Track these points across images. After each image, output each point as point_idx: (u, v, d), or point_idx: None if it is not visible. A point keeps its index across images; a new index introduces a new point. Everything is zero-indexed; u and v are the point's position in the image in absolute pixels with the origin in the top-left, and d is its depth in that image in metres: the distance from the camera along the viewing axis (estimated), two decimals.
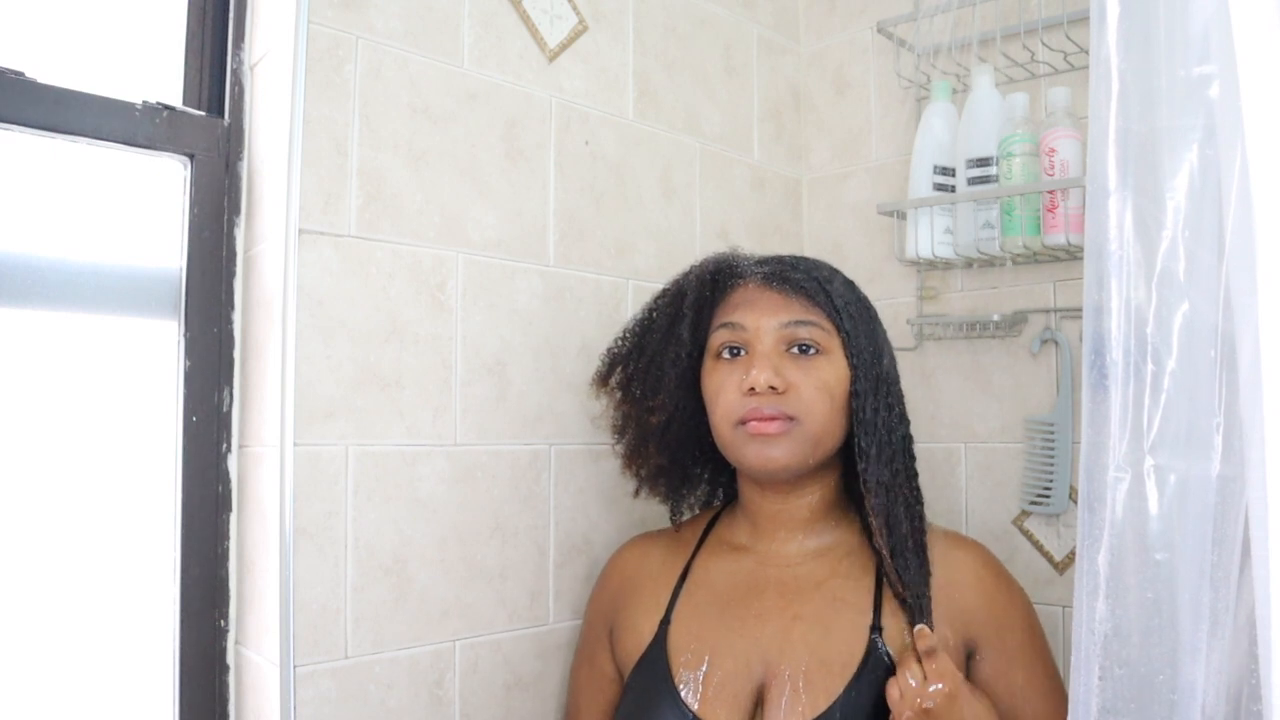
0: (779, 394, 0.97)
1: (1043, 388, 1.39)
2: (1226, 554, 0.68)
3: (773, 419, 0.97)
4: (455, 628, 1.14)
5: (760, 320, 1.00)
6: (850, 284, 1.06)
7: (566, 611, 1.25)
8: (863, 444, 0.98)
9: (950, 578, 0.99)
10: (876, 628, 0.94)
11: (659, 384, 1.06)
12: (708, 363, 1.04)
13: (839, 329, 1.00)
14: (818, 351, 0.99)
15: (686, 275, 1.09)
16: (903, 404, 1.05)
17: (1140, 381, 0.71)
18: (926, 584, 0.96)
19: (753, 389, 0.97)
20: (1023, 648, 0.99)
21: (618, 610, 1.12)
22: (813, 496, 1.03)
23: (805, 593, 1.00)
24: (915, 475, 1.03)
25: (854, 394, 0.99)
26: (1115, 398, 0.71)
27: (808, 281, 1.01)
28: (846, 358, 1.00)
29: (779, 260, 1.05)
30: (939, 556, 1.00)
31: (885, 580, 0.98)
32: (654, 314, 1.10)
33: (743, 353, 1.01)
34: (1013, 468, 1.41)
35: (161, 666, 1.06)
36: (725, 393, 1.00)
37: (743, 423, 0.98)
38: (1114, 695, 0.70)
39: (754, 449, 0.98)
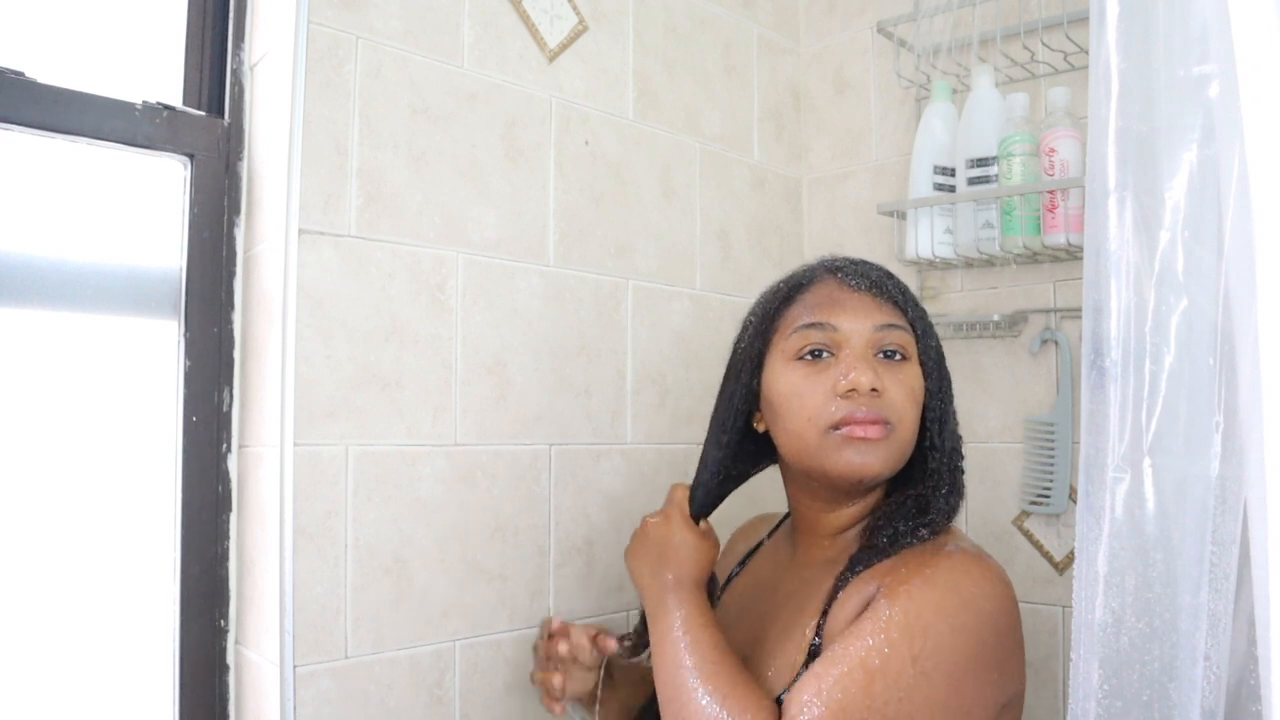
0: (877, 397, 0.92)
1: (1043, 388, 1.39)
2: (1226, 554, 0.68)
3: (874, 422, 0.91)
4: (455, 628, 1.14)
5: (856, 323, 0.94)
6: (909, 287, 1.03)
7: (566, 612, 1.25)
8: (930, 463, 0.95)
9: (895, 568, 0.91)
10: (819, 629, 0.90)
11: (740, 399, 1.01)
12: (777, 364, 0.98)
13: (916, 335, 0.97)
14: (904, 358, 0.95)
15: (755, 305, 1.05)
16: (954, 403, 1.01)
17: (1140, 381, 0.70)
18: (866, 563, 0.91)
19: (852, 390, 0.91)
20: (862, 632, 0.83)
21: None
22: (859, 507, 0.98)
23: (797, 597, 0.99)
24: (961, 472, 0.99)
25: (927, 404, 0.96)
26: (1115, 397, 0.71)
27: (891, 283, 0.97)
28: (921, 365, 0.97)
29: (851, 260, 1.01)
30: (923, 558, 0.92)
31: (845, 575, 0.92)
32: (738, 344, 1.05)
33: (825, 355, 0.95)
34: (1013, 468, 1.41)
35: (161, 666, 1.06)
36: (811, 396, 0.93)
37: (836, 427, 0.92)
38: (1113, 695, 0.70)
39: (848, 455, 0.91)
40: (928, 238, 1.41)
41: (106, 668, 1.04)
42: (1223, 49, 0.65)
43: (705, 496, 1.03)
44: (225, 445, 1.10)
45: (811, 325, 0.95)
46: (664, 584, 0.96)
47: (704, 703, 0.85)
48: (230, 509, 1.10)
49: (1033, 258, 1.36)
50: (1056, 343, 1.37)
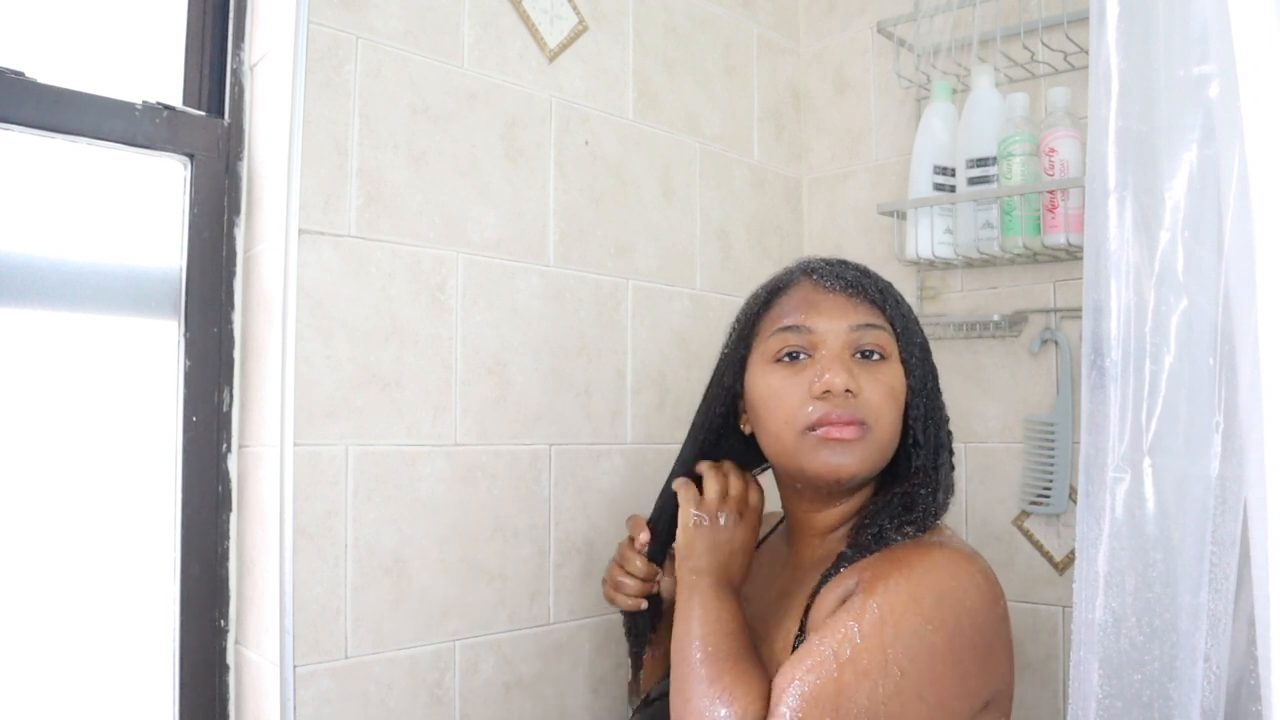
0: (852, 398, 0.92)
1: (1043, 388, 1.39)
2: (1226, 554, 0.68)
3: (849, 423, 0.92)
4: (455, 628, 1.14)
5: (831, 324, 0.95)
6: (892, 285, 1.03)
7: (566, 611, 1.25)
8: (915, 461, 0.96)
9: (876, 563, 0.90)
10: (803, 625, 0.90)
11: (725, 400, 1.04)
12: (758, 367, 0.99)
13: (896, 333, 0.97)
14: (882, 357, 0.96)
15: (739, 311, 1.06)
16: (942, 399, 1.01)
17: (1140, 381, 0.70)
18: (850, 561, 0.91)
19: (827, 392, 0.92)
20: (838, 623, 0.83)
21: None
22: (848, 506, 0.99)
23: (788, 596, 0.99)
24: (951, 469, 0.99)
25: (910, 402, 0.96)
26: (1114, 397, 0.71)
27: (868, 283, 0.98)
28: (903, 363, 0.97)
29: (827, 262, 1.02)
30: (904, 554, 0.91)
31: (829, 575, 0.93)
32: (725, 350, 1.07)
33: (802, 357, 0.96)
34: (1013, 468, 1.41)
35: (161, 666, 1.06)
36: (788, 398, 0.94)
37: (812, 428, 0.93)
38: (1113, 695, 0.70)
39: (824, 455, 0.92)
40: (928, 238, 1.41)
41: (107, 667, 1.04)
42: (1223, 49, 0.65)
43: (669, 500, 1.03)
44: (225, 445, 1.10)
45: (788, 328, 0.97)
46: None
47: (703, 681, 0.87)
48: (230, 509, 1.10)
49: (1033, 258, 1.36)
50: (1056, 343, 1.37)
